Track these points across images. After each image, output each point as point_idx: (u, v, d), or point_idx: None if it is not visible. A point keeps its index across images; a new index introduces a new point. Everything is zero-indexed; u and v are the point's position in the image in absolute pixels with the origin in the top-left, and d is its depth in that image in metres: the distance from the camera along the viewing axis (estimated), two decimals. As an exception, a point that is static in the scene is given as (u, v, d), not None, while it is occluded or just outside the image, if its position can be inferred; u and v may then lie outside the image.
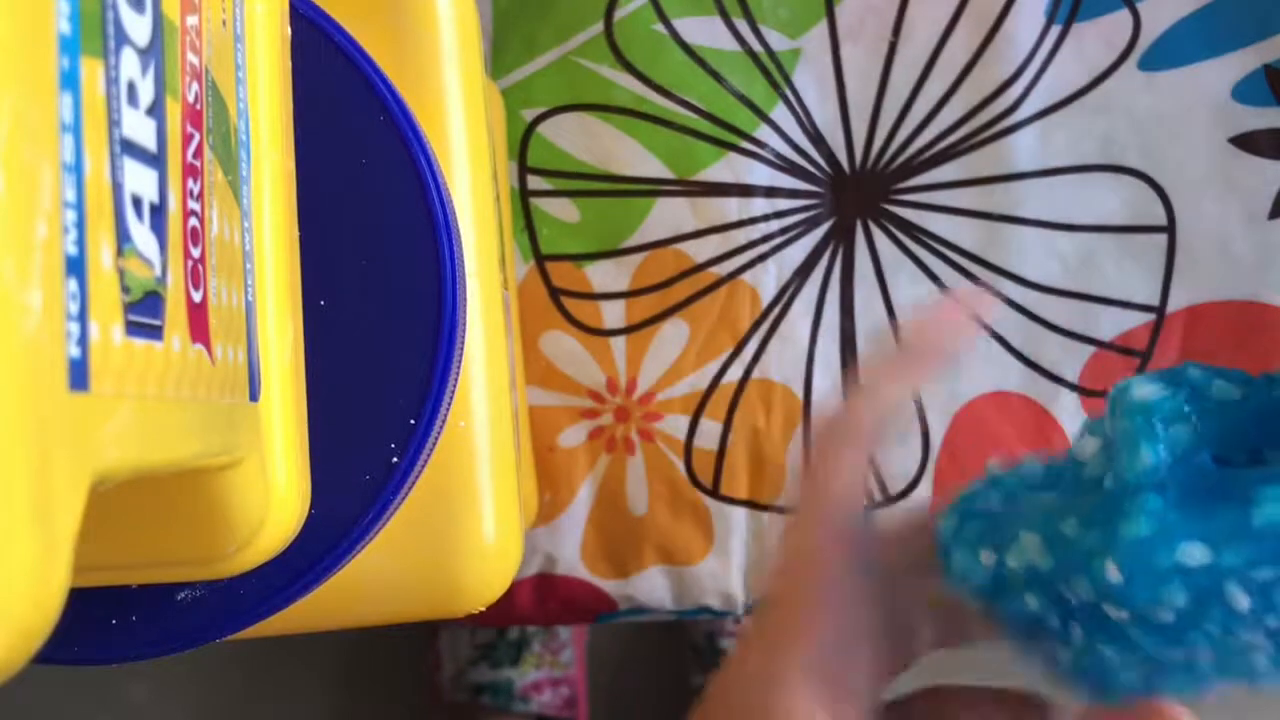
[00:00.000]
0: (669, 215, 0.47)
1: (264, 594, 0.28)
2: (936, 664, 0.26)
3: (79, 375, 0.15)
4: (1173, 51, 0.45)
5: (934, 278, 0.47)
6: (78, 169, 0.15)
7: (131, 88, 0.17)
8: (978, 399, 0.47)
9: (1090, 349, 0.46)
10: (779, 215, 0.47)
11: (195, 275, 0.19)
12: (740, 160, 0.47)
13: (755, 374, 0.47)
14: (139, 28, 0.17)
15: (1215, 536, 0.19)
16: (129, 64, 0.17)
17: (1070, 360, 0.46)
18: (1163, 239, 0.46)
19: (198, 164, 0.20)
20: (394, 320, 0.29)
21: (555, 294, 0.48)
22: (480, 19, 0.34)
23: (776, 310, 0.47)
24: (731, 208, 0.47)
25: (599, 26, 0.47)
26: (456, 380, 0.30)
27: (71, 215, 0.15)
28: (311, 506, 0.27)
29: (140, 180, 0.17)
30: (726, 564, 0.48)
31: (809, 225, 0.47)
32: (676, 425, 0.48)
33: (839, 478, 0.25)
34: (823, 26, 0.47)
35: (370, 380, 0.28)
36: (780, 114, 0.47)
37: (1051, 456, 0.24)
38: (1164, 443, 0.21)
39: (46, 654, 0.18)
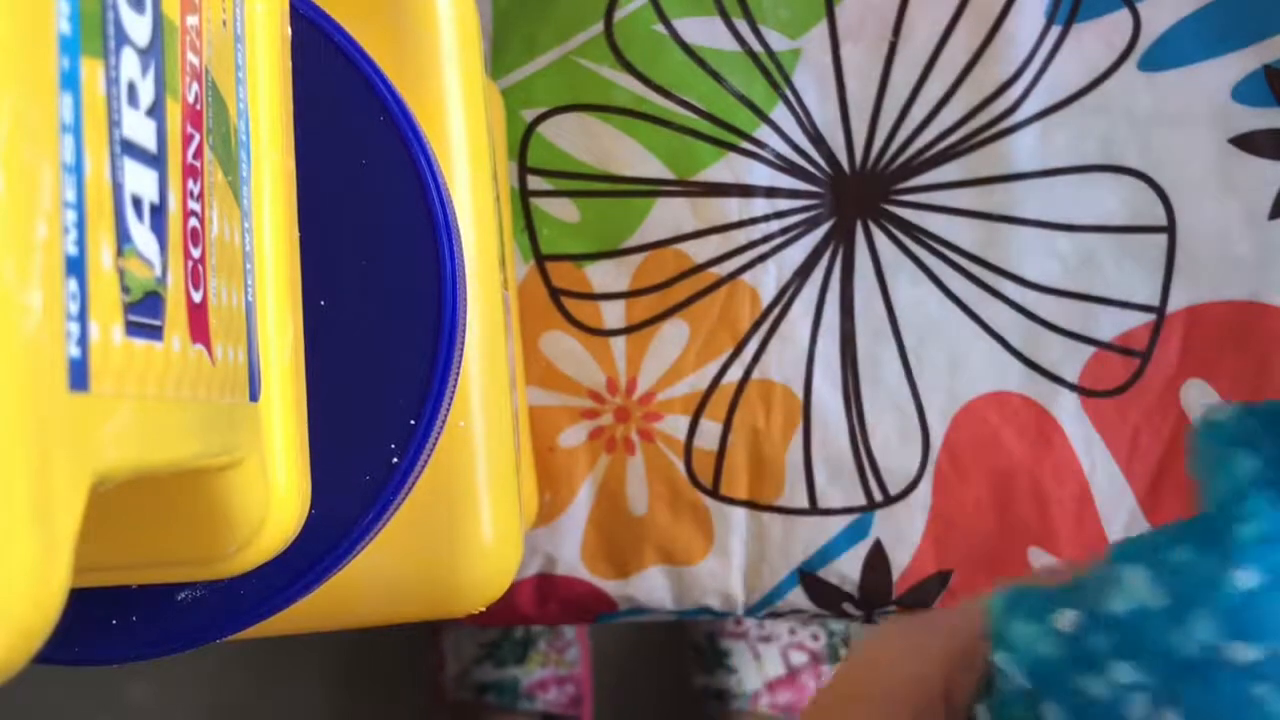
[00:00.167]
0: (669, 215, 0.47)
1: (264, 594, 0.28)
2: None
3: (79, 375, 0.15)
4: (1173, 52, 0.45)
5: (934, 278, 0.47)
6: (78, 169, 0.15)
7: (131, 88, 0.17)
8: (977, 399, 0.47)
9: (1090, 349, 0.46)
10: (779, 215, 0.47)
11: (195, 275, 0.19)
12: (740, 160, 0.47)
13: (755, 374, 0.47)
14: (139, 28, 0.17)
15: None
16: (129, 64, 0.17)
17: (1070, 360, 0.46)
18: (1163, 239, 0.46)
19: (198, 164, 0.20)
20: (394, 320, 0.29)
21: (555, 294, 0.48)
22: (480, 19, 0.34)
23: (776, 310, 0.47)
24: (731, 208, 0.47)
25: (599, 26, 0.47)
26: (456, 380, 0.30)
27: (71, 215, 0.15)
28: (311, 506, 0.27)
29: (140, 180, 0.17)
30: (726, 564, 0.48)
31: (809, 225, 0.47)
32: (676, 425, 0.48)
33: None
34: (823, 26, 0.47)
35: (370, 380, 0.28)
36: (780, 114, 0.47)
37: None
38: (1256, 448, 0.18)
39: (46, 654, 0.18)
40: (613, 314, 0.48)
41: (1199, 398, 0.46)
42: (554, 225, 0.48)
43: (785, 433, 0.47)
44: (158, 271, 0.17)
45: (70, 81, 0.15)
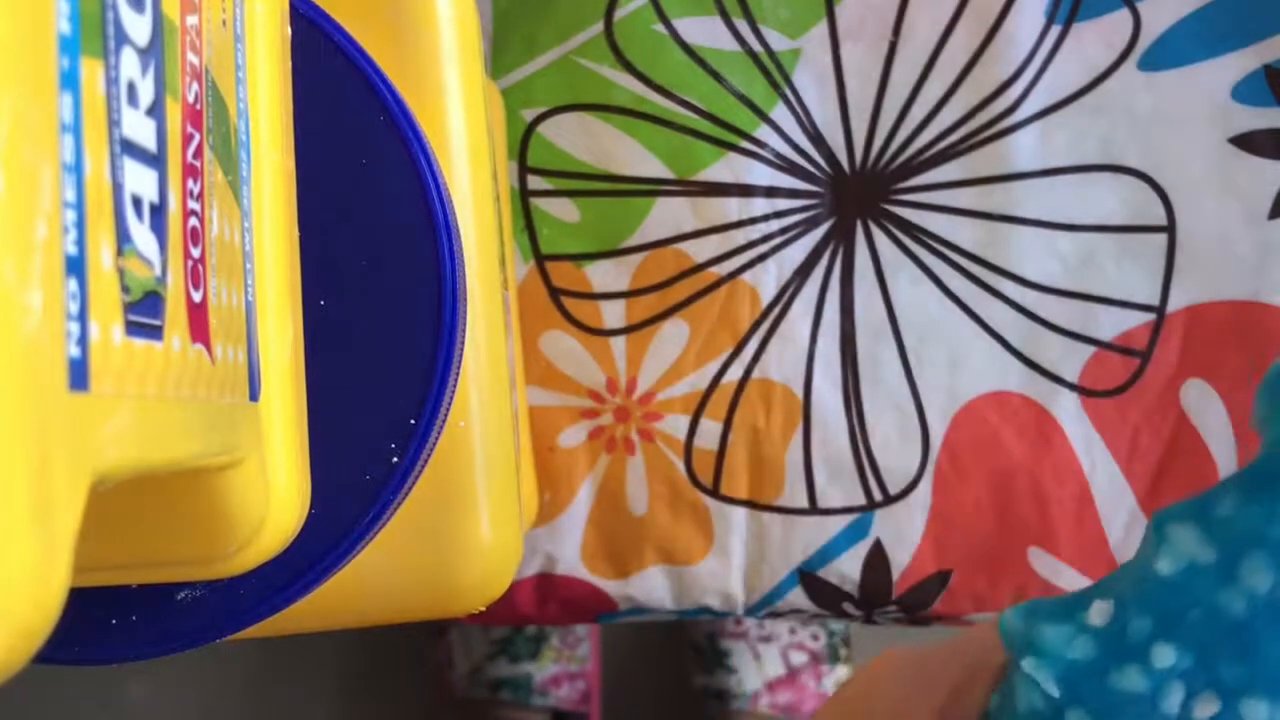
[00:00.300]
0: (669, 215, 0.47)
1: (264, 594, 0.28)
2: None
3: (79, 375, 0.15)
4: (1173, 51, 0.45)
5: (934, 277, 0.47)
6: (78, 169, 0.15)
7: (131, 88, 0.17)
8: (977, 399, 0.47)
9: (1090, 349, 0.46)
10: (779, 215, 0.47)
11: (195, 275, 0.19)
12: (740, 160, 0.47)
13: (755, 374, 0.47)
14: (139, 28, 0.17)
15: None
16: (129, 64, 0.17)
17: (1070, 360, 0.46)
18: (1163, 239, 0.46)
19: (198, 164, 0.20)
20: (394, 320, 0.29)
21: (555, 294, 0.48)
22: (480, 19, 0.34)
23: (776, 310, 0.47)
24: (731, 208, 0.47)
25: (599, 26, 0.47)
26: (456, 380, 0.30)
27: (71, 215, 0.15)
28: (311, 506, 0.27)
29: (140, 180, 0.17)
30: (726, 564, 0.48)
31: (809, 225, 0.47)
32: (676, 425, 0.48)
33: None
34: (823, 26, 0.47)
35: (370, 380, 0.28)
36: (780, 114, 0.47)
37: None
38: None
39: (46, 654, 0.18)
40: (613, 314, 0.48)
41: (1199, 398, 0.46)
42: (554, 225, 0.48)
43: (785, 432, 0.47)
44: (158, 271, 0.17)
45: (70, 81, 0.15)
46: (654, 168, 0.47)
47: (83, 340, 0.15)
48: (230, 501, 0.22)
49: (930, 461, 0.47)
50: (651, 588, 0.48)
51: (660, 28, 0.47)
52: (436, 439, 0.29)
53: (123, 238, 0.16)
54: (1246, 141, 0.45)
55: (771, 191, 0.47)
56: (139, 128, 0.17)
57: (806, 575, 0.48)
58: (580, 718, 0.72)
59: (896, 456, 0.47)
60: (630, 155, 0.47)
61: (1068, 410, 0.47)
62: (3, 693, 0.76)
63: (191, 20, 0.20)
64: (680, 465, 0.48)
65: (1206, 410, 0.46)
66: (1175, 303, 0.46)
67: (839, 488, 0.47)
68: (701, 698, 0.73)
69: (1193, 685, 0.17)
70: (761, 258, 0.47)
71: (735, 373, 0.48)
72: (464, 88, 0.32)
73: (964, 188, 0.47)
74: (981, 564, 0.47)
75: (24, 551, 0.13)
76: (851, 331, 0.47)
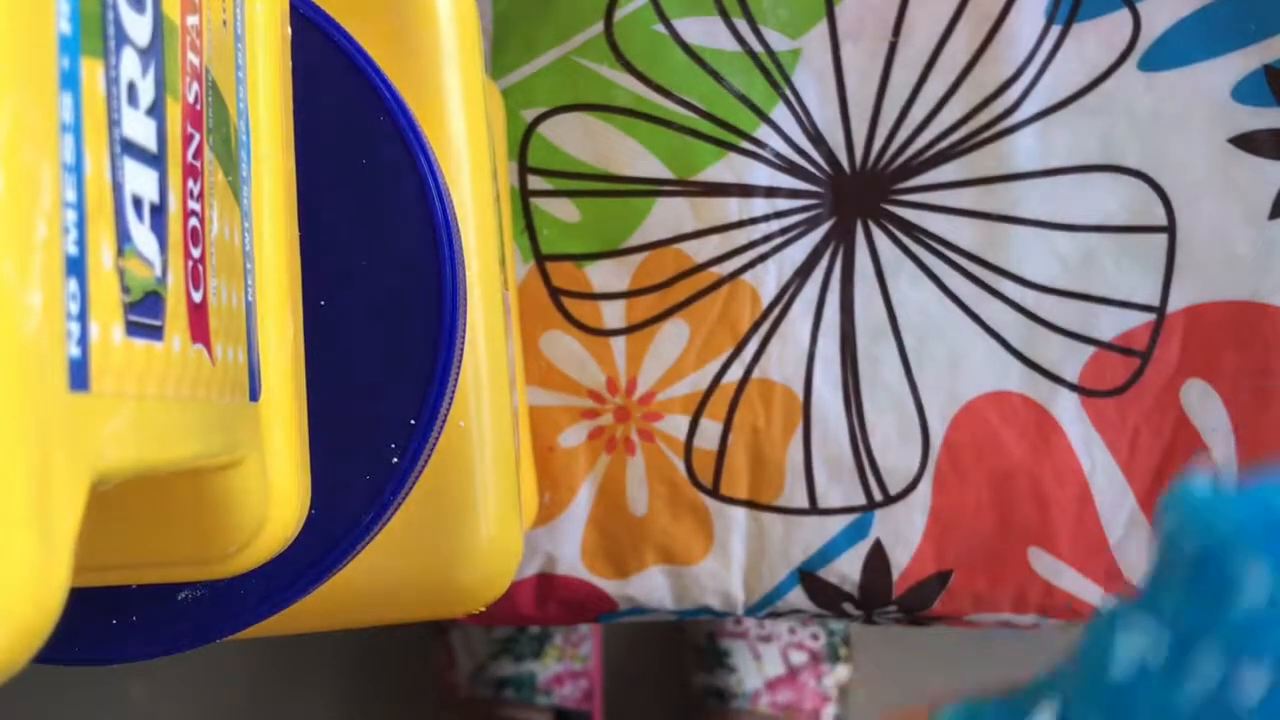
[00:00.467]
0: (669, 215, 0.47)
1: (264, 594, 0.28)
2: None
3: (79, 375, 0.15)
4: (1173, 51, 0.45)
5: (934, 278, 0.47)
6: (78, 169, 0.15)
7: (131, 88, 0.17)
8: (977, 399, 0.47)
9: (1090, 349, 0.46)
10: (779, 215, 0.47)
11: (195, 275, 0.19)
12: (740, 160, 0.47)
13: (755, 374, 0.47)
14: (139, 28, 0.17)
15: None
16: (129, 64, 0.17)
17: (1070, 360, 0.46)
18: (1163, 239, 0.46)
19: (198, 164, 0.20)
20: (394, 320, 0.29)
21: (555, 294, 0.48)
22: (480, 19, 0.34)
23: (777, 310, 0.47)
24: (732, 208, 0.47)
25: (599, 26, 0.47)
26: (456, 380, 0.30)
27: (71, 215, 0.15)
28: (311, 506, 0.27)
29: (140, 180, 0.17)
30: (726, 564, 0.48)
31: (809, 225, 0.47)
32: (676, 425, 0.48)
33: None
34: (823, 26, 0.47)
35: (370, 380, 0.28)
36: (780, 114, 0.47)
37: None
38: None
39: (46, 654, 0.18)
40: (613, 314, 0.48)
41: (1199, 398, 0.46)
42: (554, 225, 0.48)
43: (785, 432, 0.47)
44: (158, 271, 0.17)
45: (70, 81, 0.15)
46: (654, 168, 0.47)
47: (83, 340, 0.15)
48: (230, 502, 0.22)
49: (930, 461, 0.47)
50: (651, 588, 0.48)
51: (660, 28, 0.47)
52: (436, 439, 0.29)
53: (123, 238, 0.16)
54: (1246, 141, 0.45)
55: (771, 191, 0.47)
56: (139, 128, 0.17)
57: (806, 575, 0.48)
58: (583, 716, 0.72)
59: (896, 456, 0.47)
60: (630, 155, 0.47)
61: (1068, 410, 0.47)
62: (3, 693, 0.76)
63: (192, 20, 0.20)
64: (680, 465, 0.48)
65: (1206, 410, 0.46)
66: (1175, 303, 0.46)
67: (839, 488, 0.47)
68: (701, 697, 0.73)
69: None
70: (762, 258, 0.47)
71: (735, 373, 0.48)
72: (464, 88, 0.32)
73: (964, 188, 0.47)
74: (981, 564, 0.47)
75: (24, 551, 0.13)
76: (851, 331, 0.47)
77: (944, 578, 0.47)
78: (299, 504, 0.25)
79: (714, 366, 0.48)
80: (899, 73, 0.47)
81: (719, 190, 0.47)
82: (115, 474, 0.15)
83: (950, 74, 0.46)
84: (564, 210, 0.48)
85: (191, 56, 0.20)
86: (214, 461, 0.20)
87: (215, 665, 0.81)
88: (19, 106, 0.13)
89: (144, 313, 0.17)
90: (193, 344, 0.19)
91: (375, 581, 0.30)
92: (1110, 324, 0.46)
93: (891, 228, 0.47)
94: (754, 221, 0.47)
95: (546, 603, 0.49)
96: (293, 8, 0.27)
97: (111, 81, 0.16)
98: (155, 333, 0.17)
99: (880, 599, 0.48)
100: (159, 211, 0.18)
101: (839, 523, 0.47)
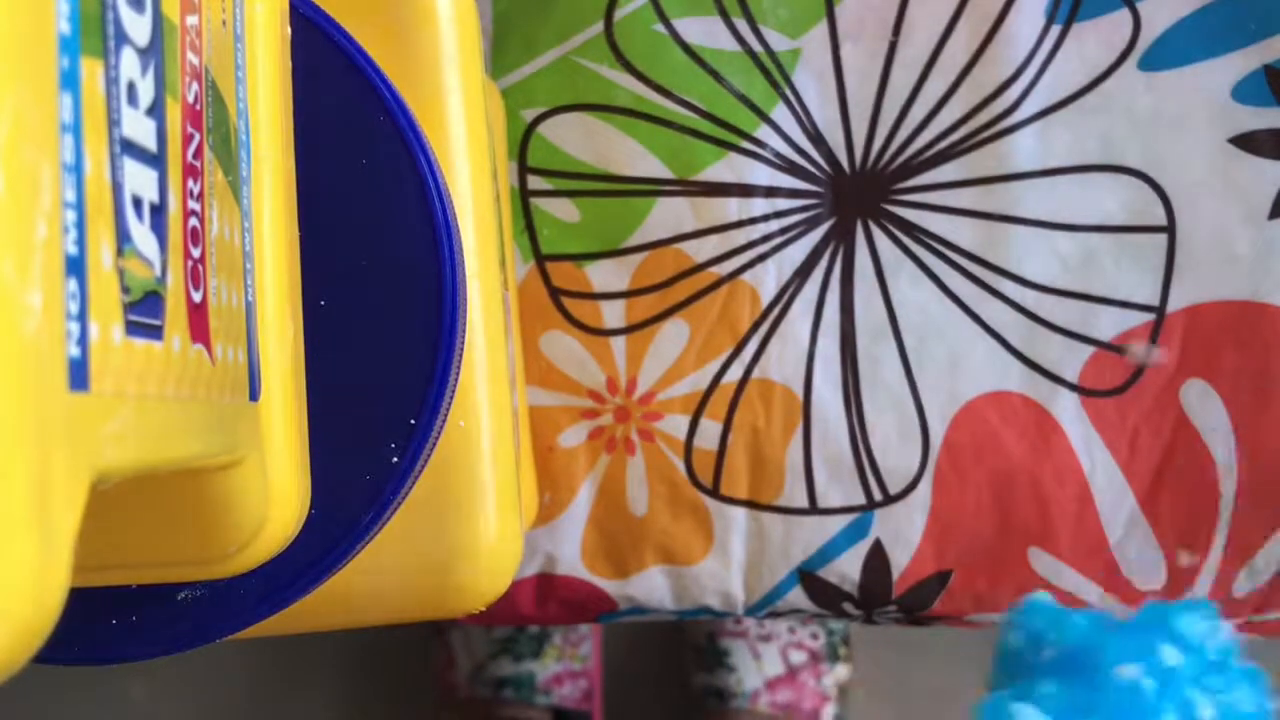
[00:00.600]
0: (669, 215, 0.47)
1: (264, 594, 0.28)
2: None
3: (79, 375, 0.15)
4: (1173, 51, 0.45)
5: (934, 278, 0.47)
6: (78, 169, 0.15)
7: (131, 88, 0.17)
8: (977, 399, 0.47)
9: (1090, 349, 0.46)
10: (779, 215, 0.47)
11: (195, 275, 0.19)
12: (740, 160, 0.47)
13: (755, 374, 0.47)
14: (139, 28, 0.17)
15: None
16: (129, 64, 0.17)
17: (1070, 360, 0.46)
18: (1163, 239, 0.46)
19: (198, 164, 0.20)
20: (394, 320, 0.29)
21: (555, 294, 0.48)
22: (480, 19, 0.34)
23: (776, 310, 0.47)
24: (731, 208, 0.47)
25: (599, 26, 0.47)
26: (456, 380, 0.30)
27: (71, 215, 0.15)
28: (311, 506, 0.27)
29: (140, 180, 0.17)
30: (727, 564, 0.48)
31: (809, 225, 0.47)
32: (676, 425, 0.48)
33: None
34: (823, 26, 0.47)
35: (370, 380, 0.28)
36: (780, 114, 0.47)
37: None
38: None
39: (46, 654, 0.18)
40: (613, 314, 0.48)
41: (1199, 398, 0.46)
42: (554, 225, 0.48)
43: (785, 432, 0.47)
44: (158, 271, 0.17)
45: (70, 81, 0.15)
46: (654, 168, 0.47)
47: (83, 340, 0.15)
48: (230, 502, 0.22)
49: (930, 461, 0.47)
50: (651, 588, 0.48)
51: (660, 28, 0.47)
52: (436, 439, 0.29)
53: (123, 238, 0.16)
54: (1246, 141, 0.45)
55: (771, 191, 0.47)
56: (139, 128, 0.17)
57: (806, 575, 0.48)
58: (583, 716, 0.72)
59: (896, 456, 0.47)
60: (630, 155, 0.47)
61: (1068, 410, 0.47)
62: (3, 693, 0.76)
63: (191, 20, 0.20)
64: (680, 465, 0.48)
65: (1206, 410, 0.46)
66: (1175, 303, 0.46)
67: (839, 488, 0.47)
68: (701, 696, 0.73)
69: None
70: (761, 258, 0.47)
71: (735, 373, 0.48)
72: (464, 88, 0.32)
73: (964, 188, 0.47)
74: (981, 564, 0.47)
75: (24, 551, 0.13)
76: (851, 331, 0.47)
77: (944, 578, 0.47)
78: (299, 504, 0.25)
79: (714, 366, 0.48)
80: (899, 73, 0.47)
81: (719, 190, 0.47)
82: (115, 474, 0.15)
83: (950, 74, 0.46)
84: (564, 210, 0.48)
85: (191, 56, 0.20)
86: (214, 461, 0.20)
87: (215, 665, 0.81)
88: (19, 106, 0.13)
89: (144, 312, 0.17)
90: (193, 344, 0.19)
91: (375, 581, 0.30)
92: (1110, 324, 0.46)
93: (891, 228, 0.47)
94: (754, 221, 0.47)
95: (546, 603, 0.49)
96: (293, 8, 0.27)
97: (111, 81, 0.16)
98: (155, 332, 0.17)
99: (880, 599, 0.48)
100: (159, 211, 0.18)
101: (839, 522, 0.48)
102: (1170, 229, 0.46)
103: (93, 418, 0.15)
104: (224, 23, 0.22)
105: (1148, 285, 0.46)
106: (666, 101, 0.47)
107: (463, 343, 0.30)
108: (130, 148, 0.17)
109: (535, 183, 0.48)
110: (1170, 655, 0.20)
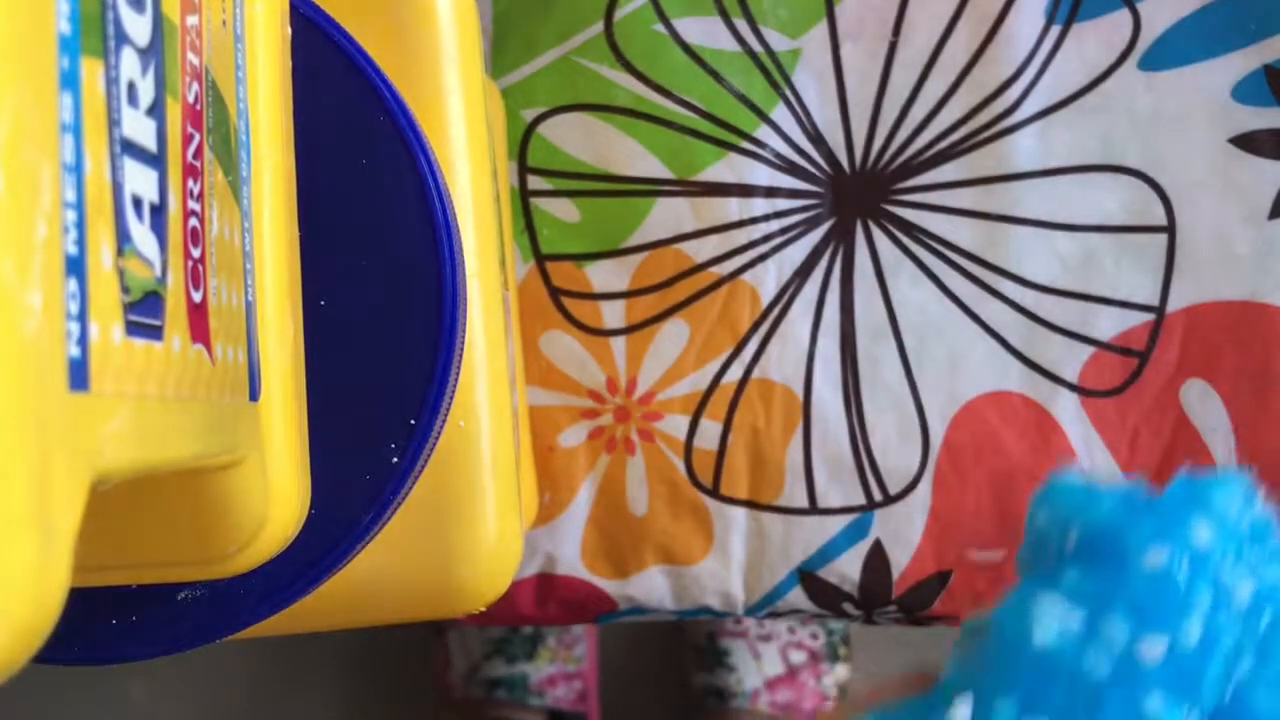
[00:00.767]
0: (669, 215, 0.47)
1: (264, 594, 0.28)
2: None
3: (79, 375, 0.15)
4: (1173, 51, 0.45)
5: (934, 277, 0.47)
6: (78, 169, 0.15)
7: (131, 88, 0.17)
8: (977, 399, 0.47)
9: (1090, 349, 0.46)
10: (779, 215, 0.47)
11: (195, 275, 0.19)
12: (740, 160, 0.47)
13: (755, 374, 0.47)
14: (139, 28, 0.17)
15: None
16: (129, 64, 0.17)
17: (1070, 360, 0.46)
18: (1163, 239, 0.46)
19: (198, 164, 0.20)
20: (394, 320, 0.29)
21: (555, 294, 0.48)
22: (480, 19, 0.34)
23: (776, 310, 0.47)
24: (732, 208, 0.47)
25: (599, 26, 0.47)
26: (456, 380, 0.30)
27: (71, 215, 0.15)
28: (311, 506, 0.27)
29: (140, 180, 0.17)
30: (727, 564, 0.48)
31: (809, 225, 0.47)
32: (676, 425, 0.48)
33: None
34: (823, 26, 0.47)
35: (370, 380, 0.28)
36: (780, 114, 0.47)
37: None
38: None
39: (46, 654, 0.18)
40: (613, 314, 0.48)
41: (1199, 398, 0.46)
42: (554, 225, 0.48)
43: (785, 432, 0.47)
44: (158, 271, 0.17)
45: (70, 81, 0.15)
46: (654, 168, 0.47)
47: (83, 340, 0.15)
48: (230, 502, 0.22)
49: (930, 461, 0.47)
50: (651, 588, 0.48)
51: (660, 28, 0.47)
52: (436, 439, 0.29)
53: (123, 238, 0.16)
54: (1246, 141, 0.45)
55: (771, 191, 0.47)
56: (139, 128, 0.17)
57: (806, 575, 0.48)
58: (578, 717, 0.72)
59: (896, 456, 0.47)
60: (630, 155, 0.47)
61: (1067, 410, 0.47)
62: (3, 693, 0.76)
63: (191, 20, 0.20)
64: (680, 465, 0.48)
65: (1206, 410, 0.46)
66: (1175, 303, 0.46)
67: (839, 488, 0.47)
68: (701, 696, 0.73)
69: None
70: (761, 258, 0.47)
71: (735, 373, 0.48)
72: (464, 88, 0.32)
73: (964, 188, 0.47)
74: (981, 564, 0.47)
75: (24, 551, 0.13)
76: (851, 331, 0.47)
77: (944, 578, 0.47)
78: (299, 504, 0.25)
79: (714, 366, 0.48)
80: (899, 73, 0.47)
81: (719, 190, 0.47)
82: (115, 474, 0.15)
83: (950, 74, 0.46)
84: (564, 210, 0.48)
85: (191, 56, 0.20)
86: (214, 461, 0.20)
87: (215, 665, 0.81)
88: (19, 106, 0.13)
89: (144, 313, 0.17)
90: (193, 344, 0.19)
91: (375, 581, 0.30)
92: (1110, 324, 0.46)
93: (891, 228, 0.47)
94: (754, 221, 0.47)
95: (546, 603, 0.49)
96: (293, 8, 0.27)
97: (111, 81, 0.16)
98: (155, 333, 0.17)
99: (880, 599, 0.48)
100: (159, 211, 0.18)
101: (839, 523, 0.47)
102: (1170, 229, 0.46)
103: (93, 418, 0.15)
104: (224, 23, 0.22)
105: (1148, 285, 0.46)
106: (666, 101, 0.47)
107: (463, 343, 0.30)
108: (130, 148, 0.17)
109: (535, 183, 0.48)
110: (1203, 534, 0.19)
